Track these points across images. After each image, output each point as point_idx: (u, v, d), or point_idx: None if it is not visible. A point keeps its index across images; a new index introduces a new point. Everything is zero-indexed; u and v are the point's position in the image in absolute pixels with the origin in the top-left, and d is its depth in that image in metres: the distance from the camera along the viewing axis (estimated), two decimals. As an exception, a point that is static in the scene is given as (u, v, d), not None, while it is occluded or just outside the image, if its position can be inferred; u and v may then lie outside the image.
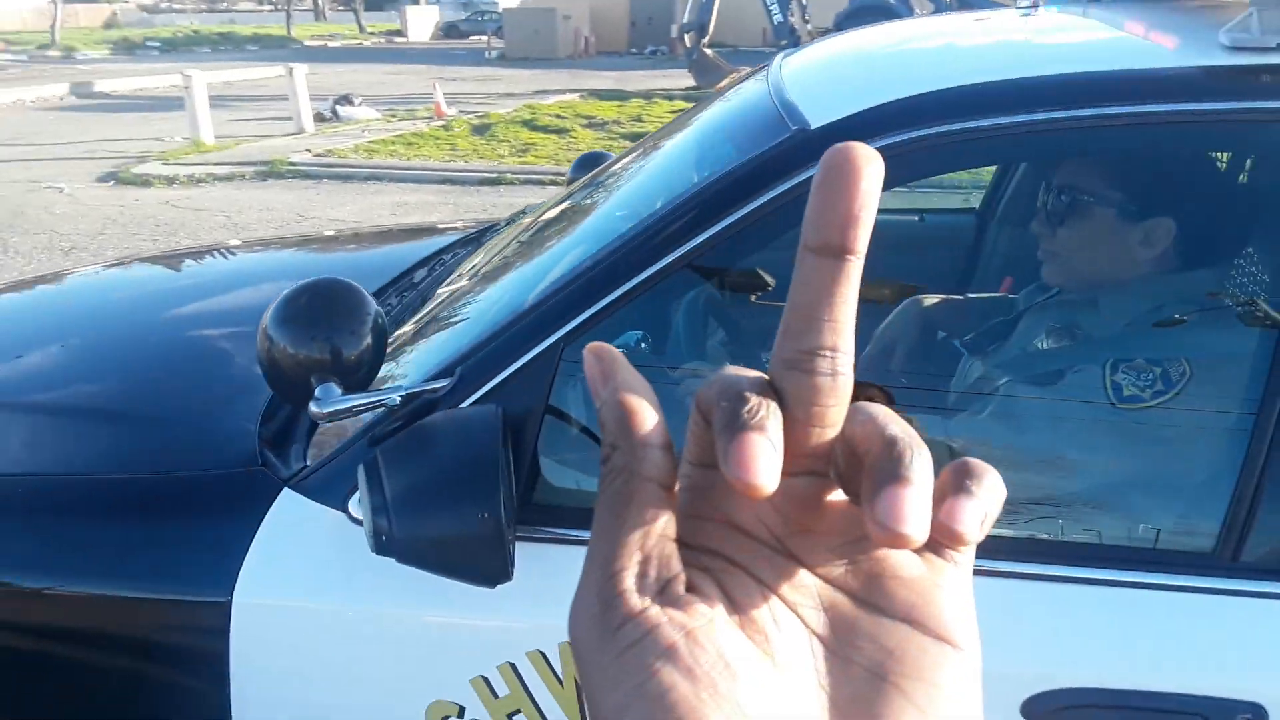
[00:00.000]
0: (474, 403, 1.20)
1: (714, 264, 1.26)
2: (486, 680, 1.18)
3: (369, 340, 1.22)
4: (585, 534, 0.97)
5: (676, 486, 0.30)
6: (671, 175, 1.49)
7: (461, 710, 1.20)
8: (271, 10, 34.31)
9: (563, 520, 1.21)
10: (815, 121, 1.22)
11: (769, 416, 0.27)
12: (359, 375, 1.21)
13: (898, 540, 0.26)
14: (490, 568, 1.01)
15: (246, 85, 15.05)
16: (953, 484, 0.27)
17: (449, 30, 31.06)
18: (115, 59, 18.91)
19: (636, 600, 0.28)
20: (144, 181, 8.01)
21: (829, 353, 0.28)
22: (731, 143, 1.37)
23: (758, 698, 0.27)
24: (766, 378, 0.29)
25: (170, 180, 8.06)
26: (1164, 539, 1.13)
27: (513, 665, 1.17)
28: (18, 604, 1.31)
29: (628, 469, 0.29)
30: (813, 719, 0.28)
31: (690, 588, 0.29)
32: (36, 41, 20.03)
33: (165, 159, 8.89)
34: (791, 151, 1.20)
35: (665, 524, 0.29)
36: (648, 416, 0.29)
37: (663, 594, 0.28)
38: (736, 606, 0.29)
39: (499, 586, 1.10)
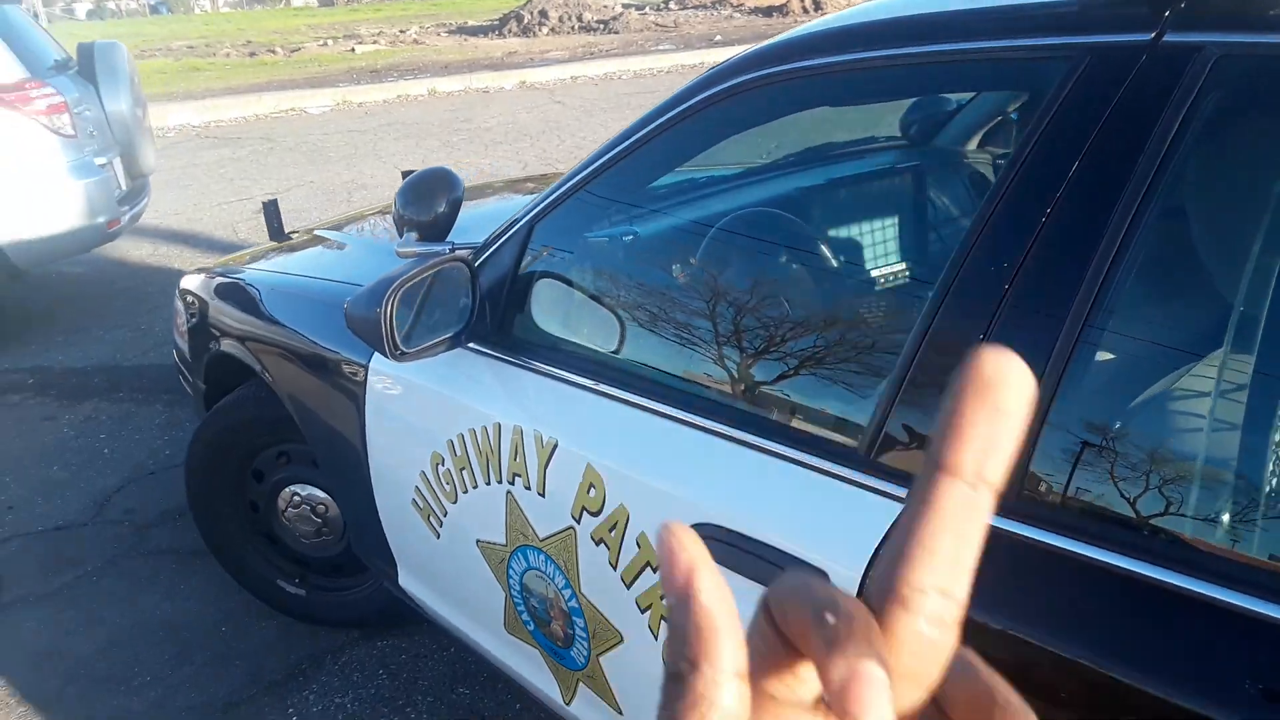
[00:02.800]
0: (481, 260, 1.75)
1: (645, 163, 1.61)
2: (451, 442, 1.75)
3: (444, 209, 1.83)
4: (542, 364, 1.53)
5: None
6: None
7: (442, 459, 1.79)
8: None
9: (531, 353, 1.70)
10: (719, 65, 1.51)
11: (878, 640, 0.23)
12: (434, 231, 1.84)
13: None
14: (382, 345, 1.57)
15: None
16: None
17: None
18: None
19: None
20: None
21: (940, 596, 0.24)
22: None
23: None
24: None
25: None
26: (822, 428, 1.26)
27: (462, 436, 1.72)
28: (283, 344, 2.21)
29: (709, 701, 0.24)
30: None
31: None
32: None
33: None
34: (702, 79, 1.52)
35: None
36: (733, 637, 0.24)
37: None
38: None
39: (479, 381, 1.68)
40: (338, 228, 2.90)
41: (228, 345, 2.52)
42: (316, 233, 2.87)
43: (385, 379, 1.93)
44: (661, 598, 1.35)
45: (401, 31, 18.60)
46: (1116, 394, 1.10)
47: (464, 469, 1.74)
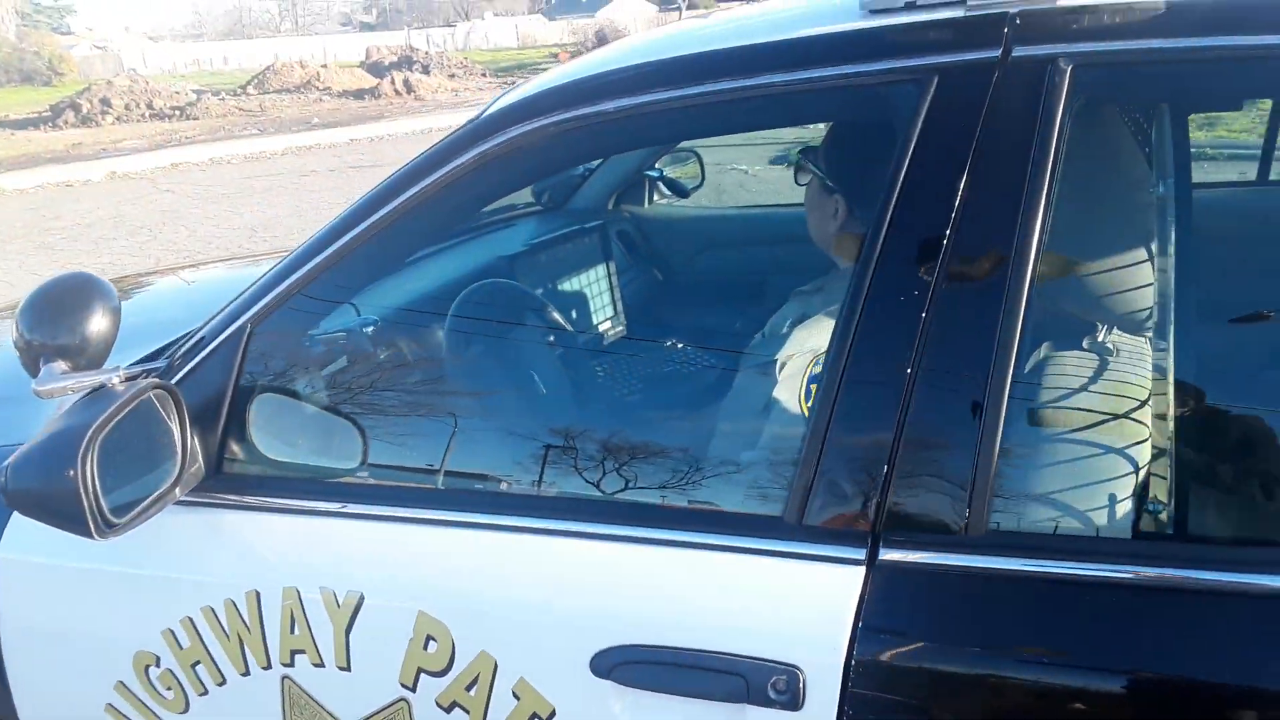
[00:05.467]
0: (179, 380, 1.33)
1: (396, 240, 1.33)
2: (172, 633, 1.30)
3: (99, 327, 1.36)
4: (280, 500, 1.08)
5: None
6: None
7: (158, 659, 1.32)
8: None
9: (257, 489, 1.31)
10: (485, 115, 1.30)
11: None
12: (86, 357, 1.36)
13: None
14: (82, 520, 1.12)
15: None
16: None
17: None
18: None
19: None
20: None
21: None
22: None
23: None
24: None
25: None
26: (733, 502, 1.14)
27: (190, 620, 1.28)
28: None
29: None
30: None
31: None
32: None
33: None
34: (463, 133, 1.28)
35: None
36: None
37: None
38: None
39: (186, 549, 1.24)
40: None
41: None
42: None
43: (28, 571, 1.39)
44: (564, 755, 1.10)
45: (-93, 125, 15.83)
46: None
47: (198, 663, 1.29)
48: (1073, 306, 1.11)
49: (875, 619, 0.99)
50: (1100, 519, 1.01)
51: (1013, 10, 1.08)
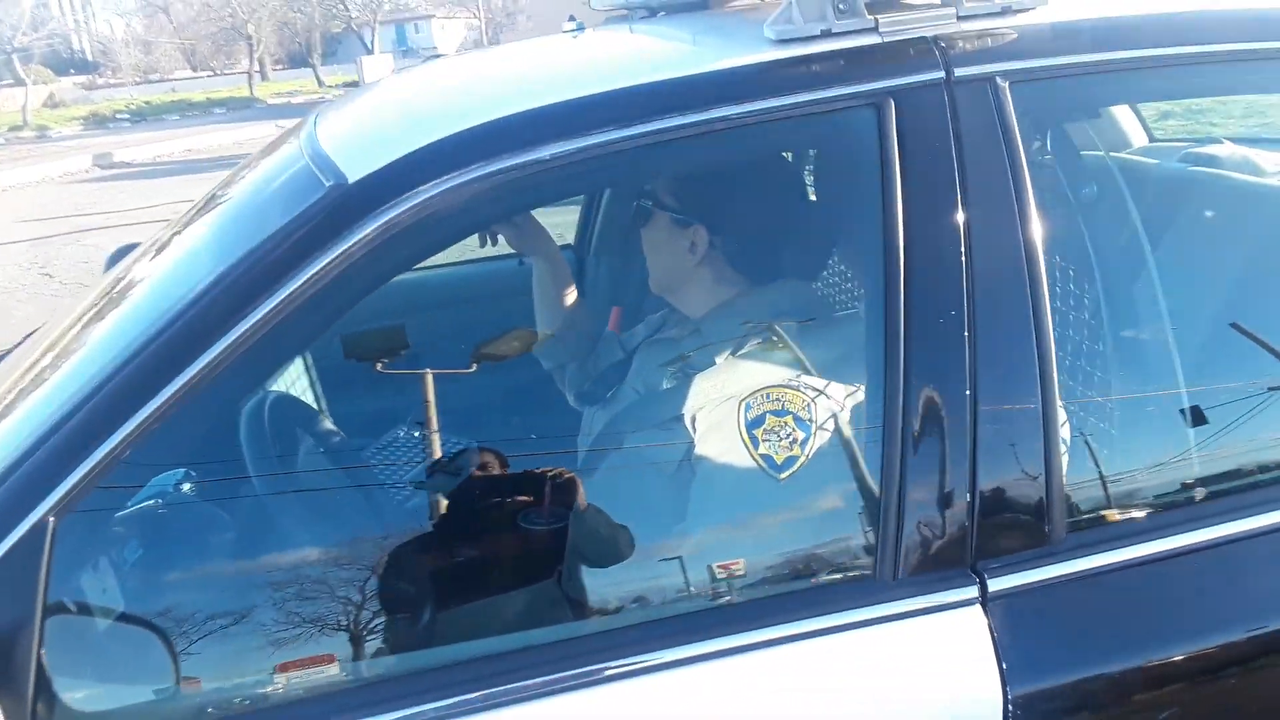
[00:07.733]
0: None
1: (248, 371, 0.97)
2: None
3: None
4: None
5: None
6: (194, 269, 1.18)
7: None
8: (210, 76, 37.02)
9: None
10: (353, 175, 1.01)
11: None
12: None
13: None
14: None
15: (254, 143, 14.75)
16: None
17: (395, 79, 30.96)
18: (90, 133, 19.56)
19: None
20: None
21: None
22: (258, 219, 1.11)
23: None
24: None
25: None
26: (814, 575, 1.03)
27: None
28: None
29: None
30: None
31: None
32: (7, 124, 20.91)
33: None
34: (339, 200, 0.97)
35: None
36: None
37: None
38: None
39: None
40: None
41: None
42: None
43: None
44: None
45: None
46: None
47: None
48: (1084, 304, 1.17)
49: (1013, 652, 0.94)
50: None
51: (929, 35, 1.11)
